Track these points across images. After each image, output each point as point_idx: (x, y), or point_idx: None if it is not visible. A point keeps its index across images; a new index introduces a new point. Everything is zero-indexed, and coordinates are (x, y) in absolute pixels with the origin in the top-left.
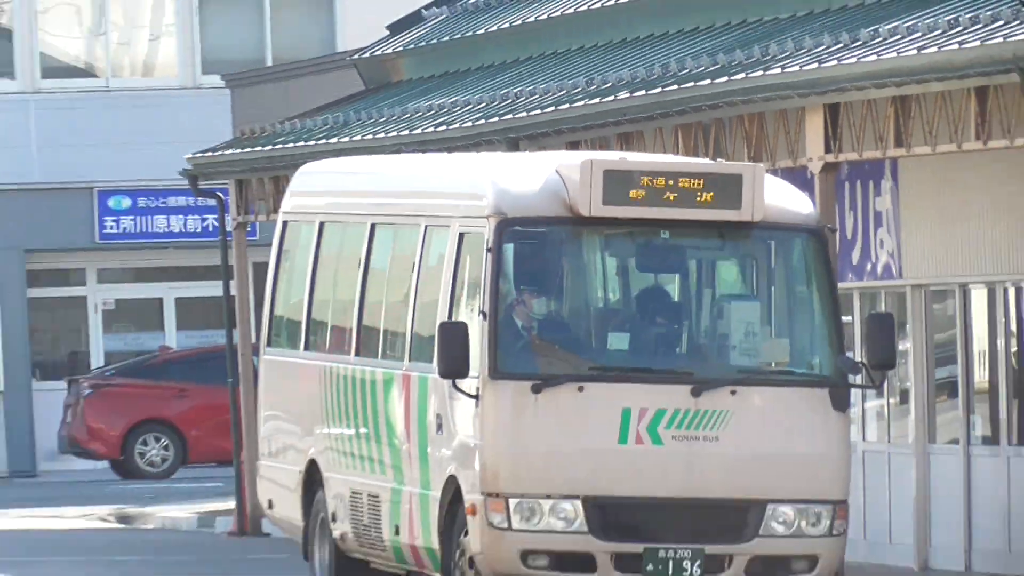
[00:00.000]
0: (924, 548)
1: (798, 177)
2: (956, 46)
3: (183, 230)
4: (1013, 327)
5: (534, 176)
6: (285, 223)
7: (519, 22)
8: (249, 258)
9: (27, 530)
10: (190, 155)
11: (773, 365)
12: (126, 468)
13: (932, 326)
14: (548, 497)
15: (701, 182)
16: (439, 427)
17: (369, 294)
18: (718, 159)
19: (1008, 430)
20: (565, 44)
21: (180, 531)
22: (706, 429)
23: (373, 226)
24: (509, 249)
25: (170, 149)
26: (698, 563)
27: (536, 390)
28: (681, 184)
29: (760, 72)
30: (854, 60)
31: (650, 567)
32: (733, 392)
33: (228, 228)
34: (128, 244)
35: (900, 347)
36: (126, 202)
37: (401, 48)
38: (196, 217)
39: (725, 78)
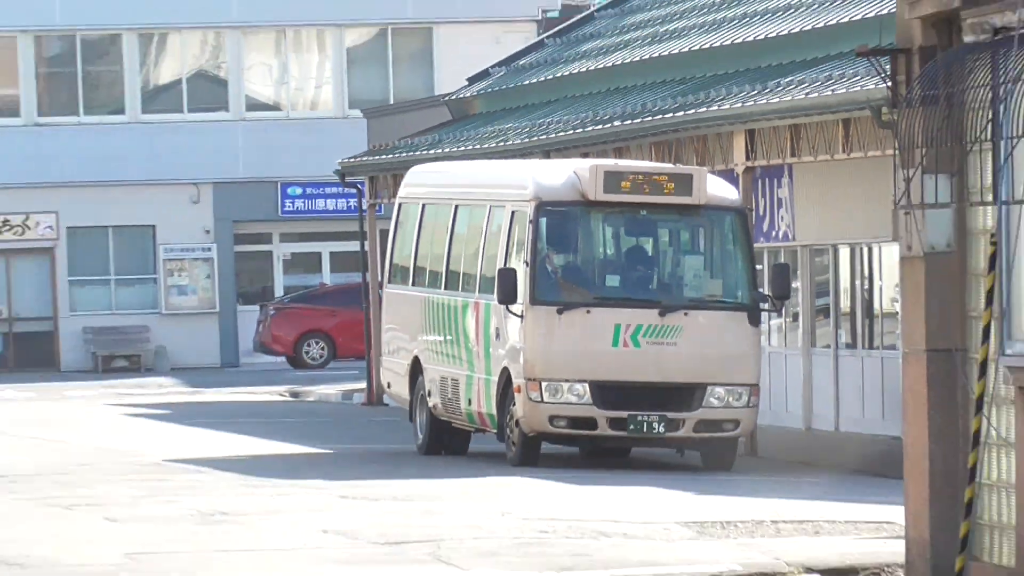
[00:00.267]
0: (808, 415)
1: (728, 176)
2: (830, 92)
3: (335, 208)
4: (865, 273)
5: (559, 174)
6: (400, 204)
7: (551, 77)
8: (376, 227)
9: (231, 402)
10: (340, 160)
11: (711, 296)
12: (296, 362)
13: (813, 272)
14: (566, 381)
15: (666, 178)
16: (497, 335)
17: (453, 250)
18: (677, 164)
19: (861, 339)
20: (579, 91)
21: (330, 402)
22: (668, 337)
23: (456, 206)
24: (543, 222)
25: (328, 156)
26: (663, 424)
27: (559, 312)
28: (653, 180)
29: (704, 109)
30: (764, 101)
31: (632, 427)
32: (685, 314)
33: (364, 208)
34: (299, 217)
35: (793, 285)
36: (298, 191)
37: (475, 93)
38: (343, 200)
39: (682, 113)
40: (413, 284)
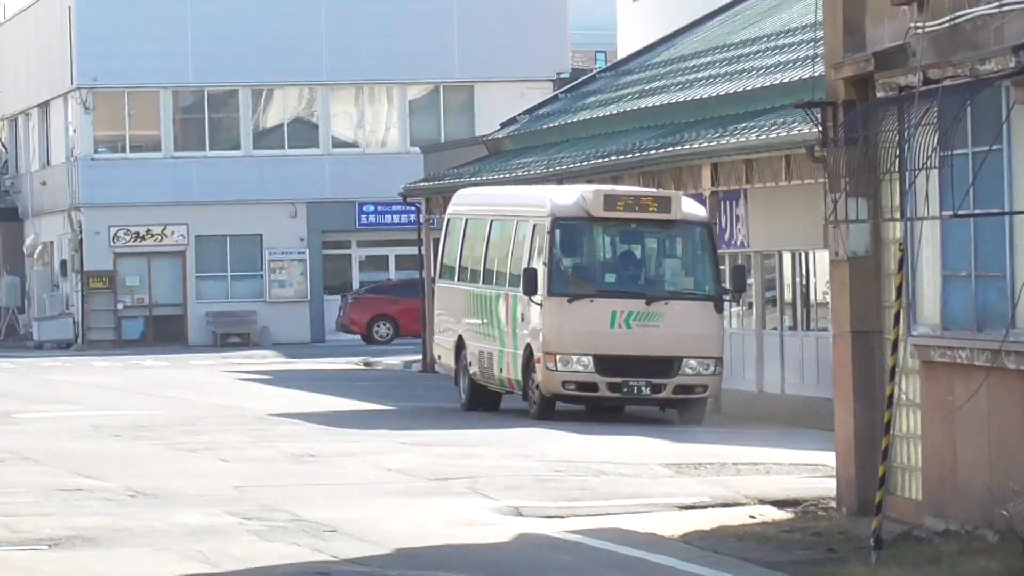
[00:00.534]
0: (760, 381)
1: (698, 198)
2: (775, 135)
3: (399, 222)
4: (803, 272)
5: (569, 197)
6: (448, 219)
7: (563, 123)
8: (430, 236)
9: (318, 369)
10: (403, 186)
11: (685, 290)
12: (368, 339)
13: (763, 272)
14: (575, 354)
15: (651, 200)
16: (522, 319)
17: (489, 254)
18: (659, 189)
19: (801, 323)
20: (585, 133)
21: (394, 370)
22: (652, 321)
23: (491, 221)
24: (557, 232)
25: (393, 182)
26: (649, 388)
27: (569, 301)
28: (641, 201)
29: (679, 147)
30: (725, 142)
31: (625, 390)
32: (666, 303)
33: (421, 221)
34: (372, 228)
35: (748, 281)
36: (371, 208)
37: (506, 135)
38: (405, 216)
39: (662, 150)
40: (458, 280)
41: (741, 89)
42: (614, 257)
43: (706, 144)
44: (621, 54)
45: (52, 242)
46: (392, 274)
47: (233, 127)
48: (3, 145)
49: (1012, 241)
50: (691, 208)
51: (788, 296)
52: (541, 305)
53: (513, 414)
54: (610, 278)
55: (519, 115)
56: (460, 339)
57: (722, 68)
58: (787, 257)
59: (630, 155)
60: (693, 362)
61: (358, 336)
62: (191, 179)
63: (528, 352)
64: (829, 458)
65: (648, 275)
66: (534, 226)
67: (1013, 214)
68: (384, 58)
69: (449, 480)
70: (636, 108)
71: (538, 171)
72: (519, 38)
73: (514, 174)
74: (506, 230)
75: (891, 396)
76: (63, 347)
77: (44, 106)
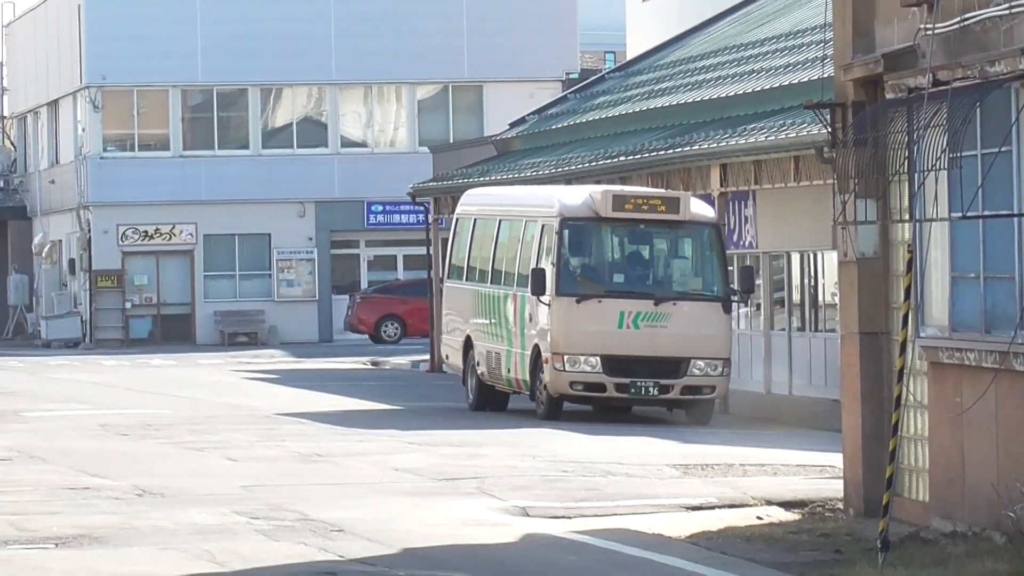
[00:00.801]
0: (768, 382)
1: (707, 199)
2: (784, 136)
3: (407, 222)
4: (811, 273)
5: (578, 197)
6: (457, 219)
7: (572, 123)
8: (439, 236)
9: (326, 369)
10: (412, 185)
11: (694, 290)
12: (376, 339)
13: (772, 272)
14: (583, 355)
15: (659, 200)
16: (530, 319)
17: (497, 254)
18: (667, 189)
19: (809, 324)
20: (594, 134)
21: (402, 370)
22: (661, 322)
23: (500, 221)
24: (566, 233)
25: (402, 182)
26: (656, 388)
27: (578, 302)
28: (650, 201)
29: (688, 148)
30: (734, 143)
31: (632, 390)
32: (674, 304)
33: (429, 221)
34: (380, 228)
35: (756, 282)
36: (380, 208)
37: (515, 135)
38: (414, 215)
39: (671, 151)
40: (466, 280)
41: (750, 90)
42: (622, 257)
43: (715, 145)
44: (630, 54)
45: (60, 241)
46: (400, 274)
47: (242, 126)
48: (12, 143)
49: (1021, 243)
50: (700, 209)
51: (796, 297)
52: (549, 305)
53: (521, 414)
54: (618, 278)
55: (528, 115)
56: (468, 339)
57: (731, 69)
58: (795, 258)
59: (639, 155)
60: (701, 363)
61: (366, 336)
62: (200, 178)
63: (536, 352)
64: (836, 459)
65: (656, 276)
66: (543, 226)
67: (1022, 216)
68: (393, 58)
69: (456, 480)
70: (645, 108)
71: (547, 171)
72: (528, 38)
73: (523, 174)
74: (514, 230)
75: (899, 397)
76: (71, 346)
77: (53, 105)
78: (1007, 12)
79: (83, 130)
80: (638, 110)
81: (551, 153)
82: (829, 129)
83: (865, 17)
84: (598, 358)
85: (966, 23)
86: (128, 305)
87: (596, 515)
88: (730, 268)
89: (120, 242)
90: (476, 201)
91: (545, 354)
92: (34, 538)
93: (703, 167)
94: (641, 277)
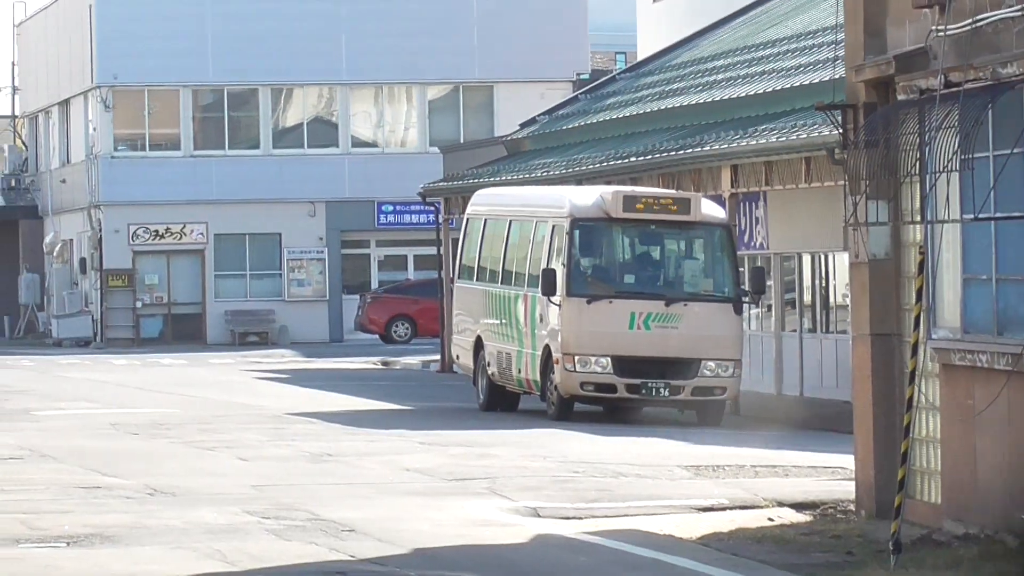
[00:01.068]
0: (779, 384)
1: (717, 199)
2: (795, 137)
3: (418, 222)
4: (822, 274)
5: (589, 197)
6: (467, 219)
7: (583, 124)
8: (449, 236)
9: (336, 369)
10: (422, 185)
11: (704, 291)
12: (387, 339)
13: (783, 274)
14: (593, 355)
15: (670, 201)
16: (541, 320)
17: (507, 254)
18: (678, 190)
19: (820, 325)
20: (604, 134)
21: (412, 369)
22: (672, 322)
23: (510, 221)
24: (576, 233)
25: (413, 182)
26: (667, 389)
27: (588, 302)
28: (661, 202)
29: (699, 149)
30: (745, 144)
31: (643, 391)
32: (685, 304)
33: (440, 221)
34: (390, 228)
35: (767, 283)
36: (390, 208)
37: (525, 135)
38: (424, 215)
39: (682, 152)
40: (477, 280)
41: (761, 91)
42: (633, 258)
43: (726, 146)
44: (641, 55)
45: (72, 240)
46: (411, 274)
47: (253, 126)
48: (23, 143)
49: None
50: (710, 210)
51: (807, 298)
52: (560, 306)
53: (531, 415)
54: (629, 279)
55: (539, 115)
56: (479, 339)
57: (742, 70)
58: (806, 259)
59: (650, 156)
60: (712, 364)
61: (376, 336)
62: (210, 178)
63: (547, 353)
64: (848, 461)
65: (667, 276)
66: (553, 227)
67: None
68: (404, 58)
69: (467, 480)
70: (656, 109)
71: (557, 172)
72: (539, 39)
73: (533, 175)
74: (525, 231)
75: (911, 399)
76: (82, 345)
77: (64, 104)
78: (1019, 14)
79: (94, 129)
80: (649, 111)
81: (562, 153)
82: (840, 130)
83: (877, 18)
84: (609, 359)
85: (978, 24)
86: (139, 304)
87: (607, 516)
88: (741, 269)
89: (131, 241)
90: (487, 201)
91: (556, 355)
92: (45, 537)
93: (714, 168)
94: (652, 278)
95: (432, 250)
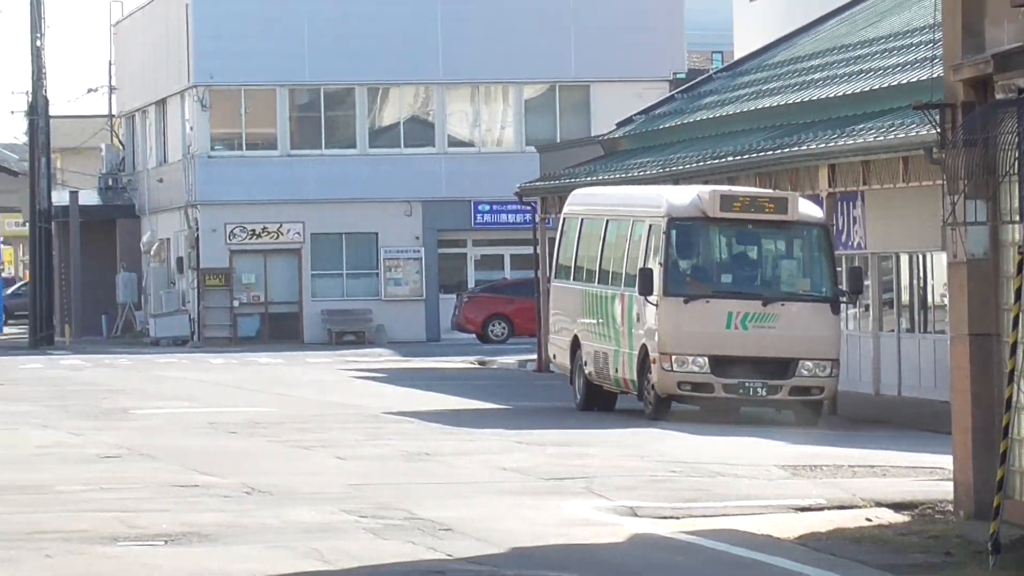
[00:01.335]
0: (877, 383)
1: (815, 199)
2: (893, 137)
3: (514, 221)
4: (920, 274)
5: (686, 197)
6: (564, 219)
7: (679, 123)
8: (546, 236)
9: (433, 368)
10: (519, 185)
11: (802, 291)
12: (483, 338)
13: (880, 273)
14: (691, 355)
15: (767, 200)
16: (637, 319)
17: (604, 254)
18: (775, 190)
19: (918, 325)
20: (701, 134)
21: (508, 369)
22: (769, 322)
23: (607, 220)
24: (673, 233)
25: (509, 182)
26: (764, 389)
27: (685, 302)
28: (758, 202)
29: (796, 148)
30: (842, 143)
31: (740, 391)
32: (782, 304)
33: (536, 221)
34: (487, 227)
35: (864, 283)
36: (487, 207)
37: (622, 135)
38: (520, 215)
39: (779, 151)
40: (573, 279)
41: (859, 90)
42: (730, 258)
43: (823, 145)
44: (738, 54)
45: (168, 239)
46: (507, 273)
47: (349, 125)
48: (120, 142)
49: None
50: (808, 209)
51: (905, 298)
52: (657, 305)
53: (628, 414)
54: (726, 279)
55: (635, 115)
56: (575, 339)
57: (839, 69)
58: (904, 259)
59: (746, 156)
60: (809, 363)
61: (473, 335)
62: (307, 177)
63: (644, 352)
64: (946, 461)
65: (764, 276)
66: (650, 226)
67: None
68: (500, 57)
69: (564, 480)
70: (752, 109)
71: (654, 171)
72: (635, 38)
73: (630, 174)
74: (622, 230)
75: (1009, 399)
76: (179, 344)
77: (161, 103)
78: None
79: (191, 129)
80: (745, 110)
81: (658, 153)
82: (938, 130)
83: (975, 17)
84: (706, 358)
85: None
86: (236, 303)
87: (704, 515)
88: (838, 269)
89: (228, 241)
90: (583, 201)
91: (653, 354)
92: (143, 535)
93: (811, 167)
94: (749, 277)
95: (528, 249)
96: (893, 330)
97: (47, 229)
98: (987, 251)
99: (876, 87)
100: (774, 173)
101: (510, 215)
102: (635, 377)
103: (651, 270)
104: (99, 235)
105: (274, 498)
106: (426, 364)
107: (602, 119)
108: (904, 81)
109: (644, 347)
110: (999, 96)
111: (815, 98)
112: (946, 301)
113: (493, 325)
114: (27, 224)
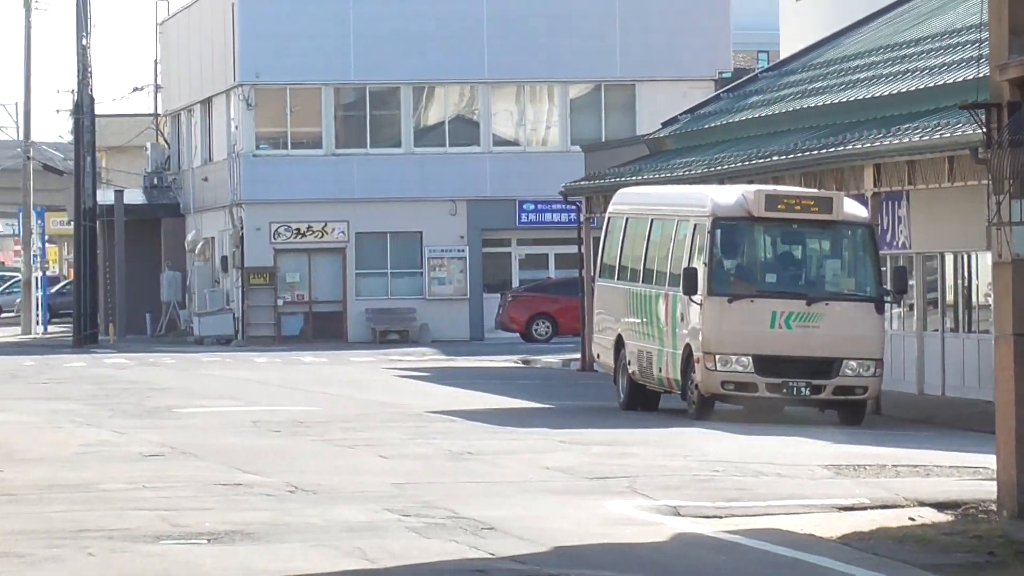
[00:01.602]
0: (921, 383)
1: (859, 199)
2: (939, 136)
3: (559, 220)
4: (965, 274)
5: (731, 196)
6: (609, 218)
7: (725, 123)
8: (590, 235)
9: (477, 367)
10: (564, 184)
11: (846, 291)
12: (527, 337)
13: (925, 273)
14: (734, 355)
15: (812, 200)
16: (682, 319)
17: (649, 253)
18: (820, 189)
19: (962, 325)
20: (747, 133)
21: (552, 368)
22: (813, 322)
23: (652, 220)
24: (718, 232)
25: (554, 181)
26: (808, 389)
27: (730, 301)
28: (803, 201)
29: (841, 148)
30: (888, 143)
31: (784, 390)
32: (826, 304)
33: (581, 220)
34: (532, 227)
35: (909, 283)
36: (531, 207)
37: (667, 134)
38: (565, 214)
39: (824, 151)
40: (618, 279)
41: (904, 90)
42: (775, 257)
43: (868, 145)
44: (784, 54)
45: (213, 238)
46: (552, 272)
47: (394, 124)
48: (166, 141)
49: None
50: (852, 209)
51: (950, 298)
52: (701, 305)
53: (671, 414)
54: (770, 278)
55: (680, 114)
56: (619, 338)
57: (885, 68)
58: (949, 259)
59: (792, 155)
60: (853, 363)
61: (517, 334)
62: (352, 176)
63: (687, 352)
64: (990, 461)
65: (809, 276)
66: (695, 226)
67: None
68: (545, 57)
69: (607, 479)
70: (798, 108)
71: (699, 171)
72: (681, 37)
73: (675, 173)
74: (666, 229)
75: None
76: (223, 343)
77: (206, 102)
78: None
79: (236, 128)
80: (791, 110)
81: (703, 153)
82: (984, 129)
83: (1021, 17)
84: (750, 358)
85: None
86: (280, 302)
87: (747, 515)
88: (883, 268)
89: (272, 239)
90: (628, 200)
91: (697, 354)
92: (186, 533)
93: (856, 167)
94: (793, 277)
95: (573, 249)
96: (937, 330)
97: (92, 228)
98: None
99: (921, 87)
100: (819, 173)
101: (555, 214)
102: (679, 377)
103: (695, 269)
104: (144, 234)
105: (317, 497)
106: (470, 363)
107: (647, 119)
108: (950, 81)
109: (688, 347)
110: None
111: (860, 98)
112: (990, 301)
113: (537, 324)
114: (72, 223)
